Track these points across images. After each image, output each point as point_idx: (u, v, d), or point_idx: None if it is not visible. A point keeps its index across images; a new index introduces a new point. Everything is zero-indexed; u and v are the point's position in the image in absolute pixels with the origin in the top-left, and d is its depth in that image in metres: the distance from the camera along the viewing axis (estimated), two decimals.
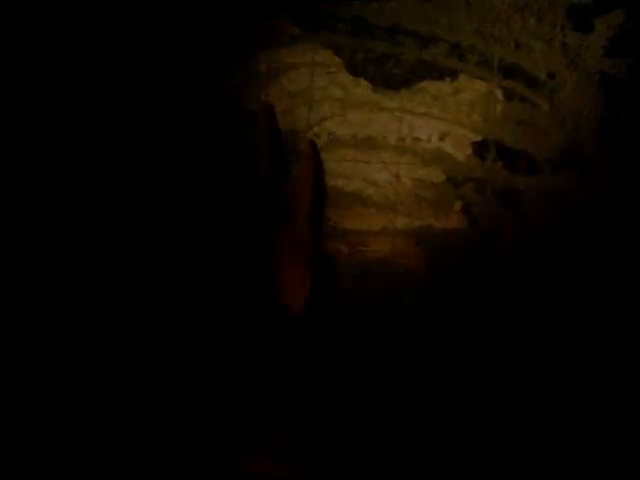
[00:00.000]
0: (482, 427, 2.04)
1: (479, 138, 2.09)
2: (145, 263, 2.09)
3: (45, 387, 2.03)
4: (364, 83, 2.09)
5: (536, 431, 2.03)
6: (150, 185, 2.11)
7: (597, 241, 2.05)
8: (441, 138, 2.09)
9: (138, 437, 2.01)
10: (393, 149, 2.10)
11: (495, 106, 2.08)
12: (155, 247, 2.10)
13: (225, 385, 2.06)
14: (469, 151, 2.09)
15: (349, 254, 2.11)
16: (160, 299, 2.08)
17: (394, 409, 2.07)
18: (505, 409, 2.04)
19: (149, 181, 2.11)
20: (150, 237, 2.10)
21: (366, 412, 2.07)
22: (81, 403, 2.02)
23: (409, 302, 2.12)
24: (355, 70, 2.08)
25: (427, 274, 2.12)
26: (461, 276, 2.10)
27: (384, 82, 2.08)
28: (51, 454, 1.97)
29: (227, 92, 2.11)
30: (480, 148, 2.09)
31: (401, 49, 2.06)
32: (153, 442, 2.00)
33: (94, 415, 2.02)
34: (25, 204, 2.08)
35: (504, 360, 2.08)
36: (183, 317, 2.08)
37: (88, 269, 2.08)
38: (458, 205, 2.10)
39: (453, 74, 2.08)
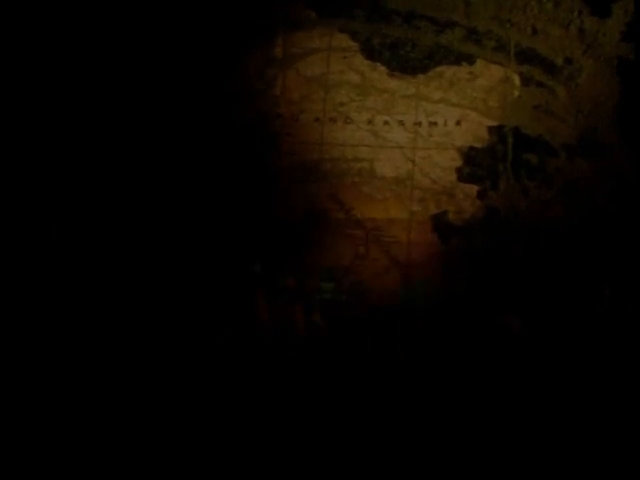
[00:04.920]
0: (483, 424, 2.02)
1: (495, 123, 2.08)
2: (148, 265, 2.08)
3: (46, 387, 2.02)
4: (381, 68, 2.08)
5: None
6: (154, 186, 2.10)
7: (614, 225, 2.04)
8: (457, 123, 2.09)
9: (138, 437, 1.99)
10: (409, 134, 2.10)
11: (512, 91, 2.08)
12: (158, 250, 2.09)
13: (226, 385, 2.05)
14: (485, 136, 2.09)
15: (365, 239, 2.11)
16: (161, 300, 2.07)
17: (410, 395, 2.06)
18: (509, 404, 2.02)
19: (154, 181, 2.10)
20: (153, 239, 2.09)
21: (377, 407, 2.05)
22: (81, 403, 2.01)
23: (423, 291, 2.11)
24: (372, 55, 2.08)
25: (442, 261, 2.11)
26: (477, 262, 2.09)
27: (401, 67, 2.08)
28: (51, 454, 1.95)
29: (243, 78, 2.11)
30: (497, 133, 2.08)
31: (417, 34, 2.06)
32: (153, 442, 1.98)
33: (94, 415, 2.00)
34: (26, 205, 2.06)
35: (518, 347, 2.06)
36: (183, 318, 2.07)
37: (92, 270, 2.07)
38: (474, 190, 2.09)
39: (470, 59, 2.07)
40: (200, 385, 2.03)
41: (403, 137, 2.10)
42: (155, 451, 1.94)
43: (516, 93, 2.08)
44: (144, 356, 2.04)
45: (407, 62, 2.08)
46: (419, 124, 2.10)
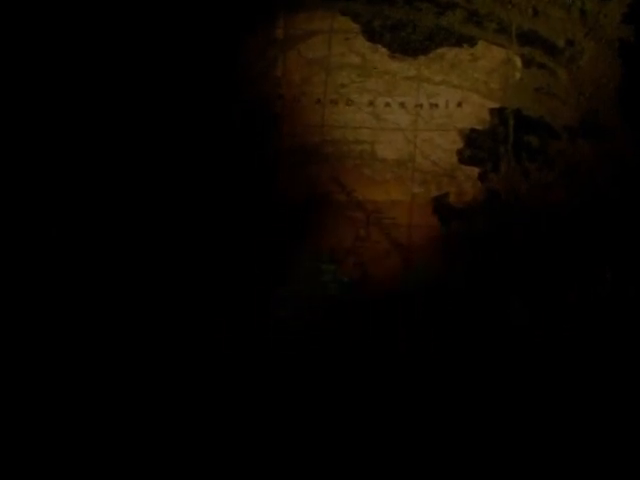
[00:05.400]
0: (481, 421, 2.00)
1: (497, 105, 2.08)
2: (148, 263, 2.07)
3: (46, 386, 2.01)
4: (382, 50, 2.08)
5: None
6: (154, 173, 2.09)
7: (616, 208, 2.04)
8: (459, 105, 2.08)
9: (138, 437, 1.98)
10: (410, 116, 2.09)
11: (513, 73, 2.07)
12: (158, 247, 2.08)
13: (226, 386, 2.04)
14: (487, 118, 2.08)
15: (366, 222, 2.10)
16: (161, 299, 2.06)
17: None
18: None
19: (154, 168, 2.09)
20: (153, 235, 2.08)
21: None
22: (81, 402, 2.00)
23: (424, 274, 2.10)
24: (373, 37, 2.08)
25: (443, 244, 2.10)
26: (477, 245, 2.09)
27: (402, 49, 2.08)
28: (51, 453, 1.94)
29: (244, 59, 2.11)
30: (498, 115, 2.08)
31: (419, 15, 2.06)
32: (153, 442, 1.97)
33: (93, 415, 1.99)
34: (26, 205, 2.06)
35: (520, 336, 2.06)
36: (183, 317, 2.06)
37: (91, 269, 2.06)
38: (475, 173, 2.09)
39: (471, 41, 2.07)
40: (200, 385, 2.02)
41: (404, 119, 2.10)
42: (155, 451, 1.94)
43: (517, 75, 2.07)
44: (144, 356, 2.04)
45: (408, 44, 2.07)
46: (420, 106, 2.09)
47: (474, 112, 2.08)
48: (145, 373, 2.03)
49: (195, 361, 2.04)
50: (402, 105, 2.09)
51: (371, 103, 2.09)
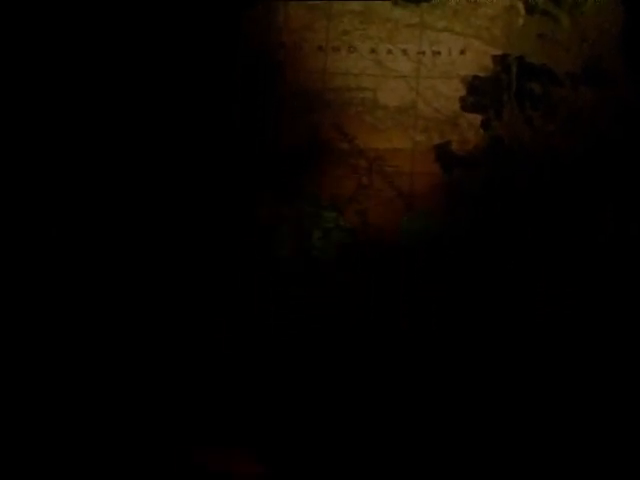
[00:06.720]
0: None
1: (500, 52, 2.07)
2: (148, 263, 2.06)
3: (45, 386, 2.01)
4: None
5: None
6: (152, 179, 2.07)
7: (618, 155, 2.03)
8: (461, 52, 2.08)
9: (138, 437, 1.97)
10: (413, 63, 2.09)
11: (516, 20, 2.06)
12: (158, 245, 2.06)
13: (226, 386, 2.03)
14: (490, 65, 2.07)
15: (368, 169, 2.10)
16: (161, 299, 2.05)
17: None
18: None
19: (152, 176, 2.07)
20: (153, 232, 2.06)
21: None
22: (80, 403, 2.00)
23: (426, 223, 2.10)
24: None
25: (445, 191, 2.10)
26: (480, 193, 2.08)
27: None
28: (51, 454, 1.94)
29: (245, 7, 2.10)
30: (501, 62, 2.07)
31: None
32: (153, 442, 1.97)
33: (93, 415, 1.99)
34: (26, 205, 2.04)
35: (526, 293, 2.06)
36: (183, 317, 2.05)
37: (91, 269, 2.04)
38: (478, 120, 2.08)
39: None
40: (200, 385, 2.00)
41: (407, 66, 2.09)
42: (155, 451, 1.94)
43: (520, 21, 2.06)
44: (144, 356, 2.02)
45: None
46: (423, 53, 2.09)
47: (477, 59, 2.08)
48: (145, 372, 2.02)
49: (195, 361, 2.03)
50: (404, 52, 2.08)
51: (373, 50, 2.09)
